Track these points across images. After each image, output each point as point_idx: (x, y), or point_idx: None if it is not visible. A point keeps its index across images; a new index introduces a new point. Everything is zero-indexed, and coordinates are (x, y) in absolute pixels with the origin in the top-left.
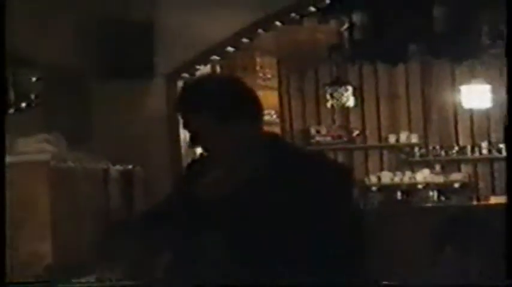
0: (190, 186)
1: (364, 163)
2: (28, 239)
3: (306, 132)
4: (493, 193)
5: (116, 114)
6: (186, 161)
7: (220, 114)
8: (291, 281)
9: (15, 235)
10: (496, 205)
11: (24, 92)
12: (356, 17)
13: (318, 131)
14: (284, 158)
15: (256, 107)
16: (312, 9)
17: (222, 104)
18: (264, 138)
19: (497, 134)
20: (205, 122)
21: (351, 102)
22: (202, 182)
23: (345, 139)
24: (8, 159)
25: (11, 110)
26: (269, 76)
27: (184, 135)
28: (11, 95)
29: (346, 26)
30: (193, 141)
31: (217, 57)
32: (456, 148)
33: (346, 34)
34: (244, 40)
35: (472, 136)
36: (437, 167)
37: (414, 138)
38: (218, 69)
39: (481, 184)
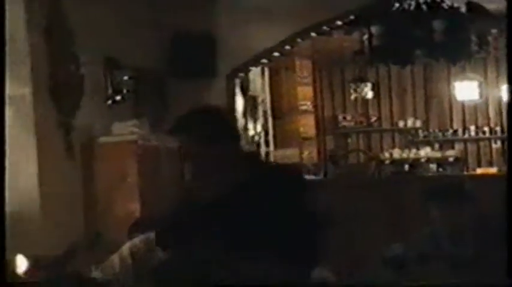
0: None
1: (379, 142)
2: (119, 202)
3: (334, 119)
4: (479, 165)
5: (187, 105)
6: (242, 143)
7: (204, 137)
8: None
9: (109, 199)
10: (481, 174)
11: (119, 88)
12: (374, 29)
13: (344, 118)
14: (258, 170)
15: (233, 132)
16: (340, 23)
17: (206, 128)
18: (242, 155)
19: (482, 119)
20: (193, 142)
21: (369, 95)
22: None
23: (365, 124)
24: (106, 139)
25: (109, 102)
26: (306, 75)
27: (241, 121)
28: (109, 90)
29: (366, 36)
30: (185, 159)
31: (266, 61)
32: (451, 131)
33: (366, 42)
34: (287, 47)
35: (463, 121)
36: (436, 146)
37: (418, 123)
38: (266, 70)
39: (470, 159)
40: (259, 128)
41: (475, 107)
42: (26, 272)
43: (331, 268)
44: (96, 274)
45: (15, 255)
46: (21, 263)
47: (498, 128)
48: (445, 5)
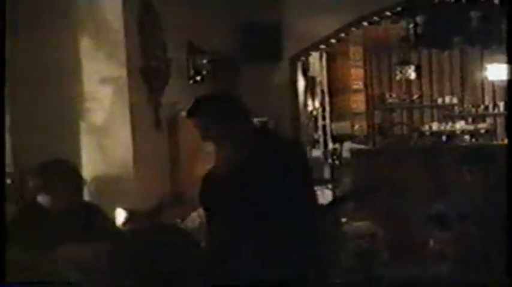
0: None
1: (420, 116)
2: (199, 166)
3: (381, 96)
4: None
5: (256, 83)
6: (302, 117)
7: (218, 117)
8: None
9: (191, 163)
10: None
11: (199, 70)
12: (418, 19)
13: (390, 95)
14: (267, 146)
15: (243, 112)
16: (388, 13)
17: (219, 110)
18: (253, 132)
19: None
20: (209, 123)
21: (412, 76)
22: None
23: (408, 101)
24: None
25: (191, 82)
26: (357, 59)
27: (301, 98)
28: (191, 72)
29: (412, 24)
30: (203, 138)
31: (324, 46)
32: (482, 107)
33: (411, 30)
34: (342, 35)
35: (494, 98)
36: (470, 120)
37: (454, 100)
38: (324, 54)
39: (499, 130)
40: (317, 104)
41: (503, 87)
42: (124, 223)
43: (382, 224)
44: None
45: (114, 209)
46: (120, 216)
47: None
48: None
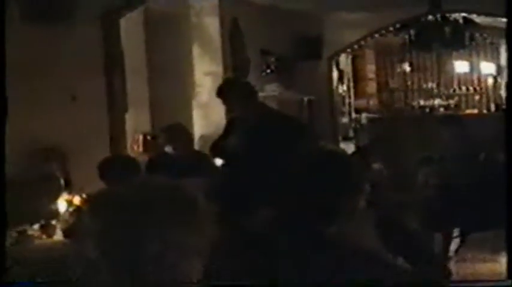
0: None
1: (412, 96)
2: None
3: (386, 83)
4: (467, 108)
5: (306, 74)
6: (335, 96)
7: (240, 98)
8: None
9: None
10: (468, 113)
11: (269, 65)
12: (411, 32)
13: (392, 82)
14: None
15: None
16: (391, 28)
17: (238, 92)
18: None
19: (470, 83)
20: (233, 100)
21: (407, 69)
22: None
23: (404, 85)
24: (262, 94)
25: (263, 74)
26: (371, 58)
27: (335, 84)
28: (263, 67)
29: (407, 36)
30: (226, 112)
31: (349, 50)
32: (451, 89)
33: (407, 39)
34: (362, 42)
35: (459, 84)
36: (444, 98)
37: (434, 85)
38: (350, 55)
39: (462, 105)
40: (345, 88)
41: (466, 76)
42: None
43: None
44: None
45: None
46: (217, 160)
47: (477, 88)
48: (451, 18)
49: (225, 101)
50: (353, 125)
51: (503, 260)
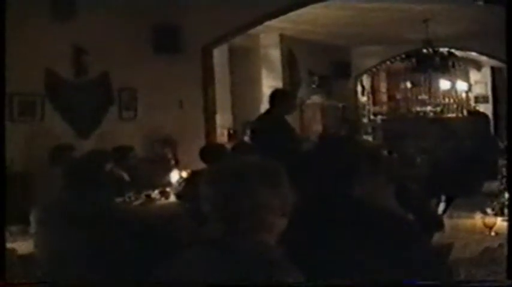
0: None
1: (411, 104)
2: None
3: (394, 96)
4: (448, 113)
5: (339, 89)
6: (359, 104)
7: (287, 104)
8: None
9: (310, 132)
10: (448, 117)
11: (313, 81)
12: (413, 60)
13: (398, 95)
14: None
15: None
16: (398, 58)
17: (285, 100)
18: None
19: (450, 96)
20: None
21: (409, 86)
22: None
23: (405, 97)
24: (309, 101)
25: (310, 87)
26: (383, 78)
27: (359, 95)
28: (310, 83)
29: (410, 63)
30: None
31: (369, 72)
32: (438, 100)
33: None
34: (378, 66)
35: (444, 97)
36: (433, 106)
37: (426, 97)
38: (369, 76)
39: (445, 111)
40: (365, 99)
41: (448, 91)
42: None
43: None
44: None
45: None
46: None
47: (455, 99)
48: (439, 51)
49: (270, 103)
50: (371, 124)
51: (477, 216)
